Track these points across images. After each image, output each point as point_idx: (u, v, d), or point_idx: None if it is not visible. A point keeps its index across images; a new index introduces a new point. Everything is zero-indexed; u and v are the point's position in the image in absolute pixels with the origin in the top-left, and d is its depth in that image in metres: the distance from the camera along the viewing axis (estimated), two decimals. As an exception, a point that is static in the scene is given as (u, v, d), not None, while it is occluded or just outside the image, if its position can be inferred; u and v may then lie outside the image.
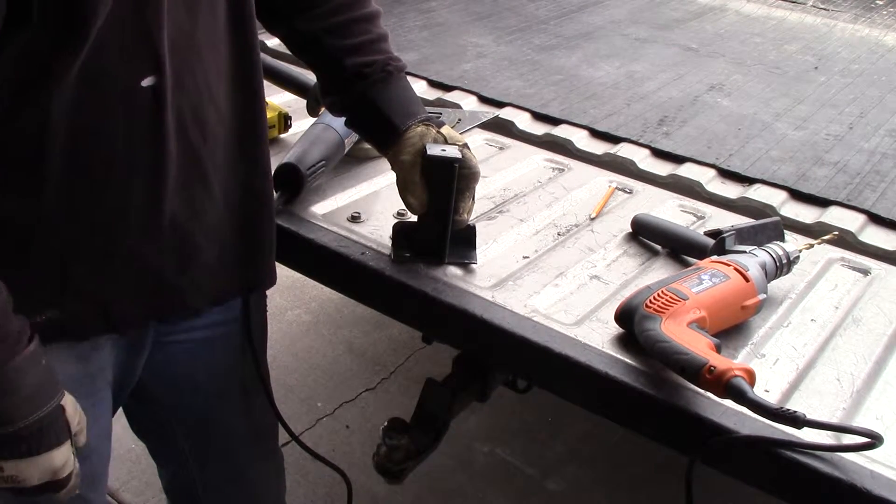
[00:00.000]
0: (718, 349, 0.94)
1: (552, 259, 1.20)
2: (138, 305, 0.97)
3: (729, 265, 1.05)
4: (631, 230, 1.27)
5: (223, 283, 1.04)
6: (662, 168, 1.51)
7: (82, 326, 0.94)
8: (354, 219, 1.26)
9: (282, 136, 1.50)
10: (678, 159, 1.53)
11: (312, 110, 1.47)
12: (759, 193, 1.41)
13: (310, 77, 1.40)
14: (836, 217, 1.35)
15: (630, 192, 1.41)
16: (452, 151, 1.09)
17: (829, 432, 0.87)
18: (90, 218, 0.88)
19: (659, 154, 1.55)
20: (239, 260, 1.05)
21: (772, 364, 1.01)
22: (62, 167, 0.84)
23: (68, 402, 0.88)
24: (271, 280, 1.13)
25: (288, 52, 1.21)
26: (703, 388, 0.90)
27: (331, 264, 1.19)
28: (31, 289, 0.88)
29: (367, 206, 1.30)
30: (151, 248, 0.93)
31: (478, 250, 1.17)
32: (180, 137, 0.90)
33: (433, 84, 1.83)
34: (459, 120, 1.57)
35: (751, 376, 0.88)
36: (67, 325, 0.92)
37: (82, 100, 0.81)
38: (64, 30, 0.77)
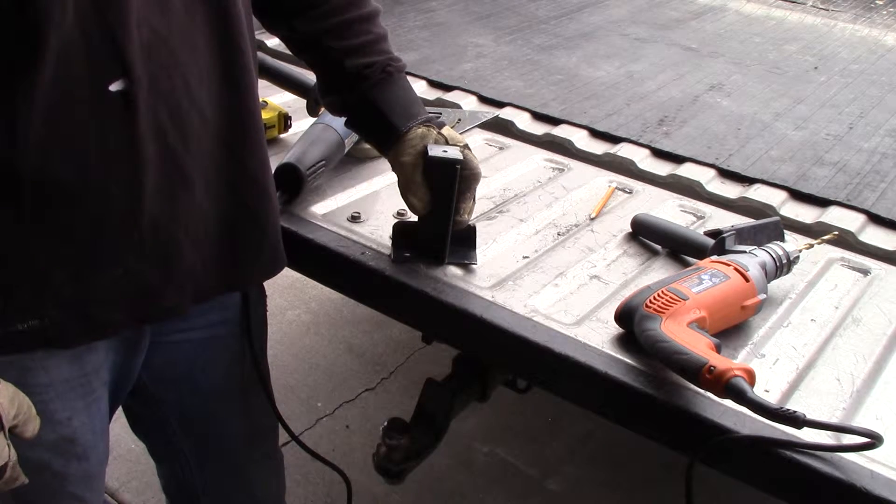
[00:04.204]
0: (718, 349, 0.94)
1: (552, 259, 1.20)
2: (120, 310, 0.95)
3: (729, 265, 1.05)
4: (631, 230, 1.27)
5: (207, 284, 1.03)
6: (662, 168, 1.51)
7: (64, 334, 0.92)
8: (354, 219, 1.26)
9: (282, 136, 1.50)
10: (678, 159, 1.53)
11: (312, 110, 1.47)
12: (759, 193, 1.41)
13: (310, 77, 1.40)
14: (836, 217, 1.35)
15: (630, 192, 1.41)
16: (454, 152, 1.09)
17: (829, 432, 0.87)
18: (67, 224, 0.87)
19: (659, 154, 1.55)
20: (225, 261, 1.03)
21: (772, 364, 1.01)
22: (36, 174, 0.83)
23: (5, 393, 0.85)
24: (261, 277, 1.13)
25: (288, 52, 1.21)
26: (702, 388, 0.90)
27: (331, 264, 1.19)
28: (10, 297, 0.88)
29: (367, 206, 1.30)
30: (132, 252, 0.92)
31: (478, 250, 1.17)
32: (158, 141, 0.89)
33: (433, 84, 1.83)
34: (459, 120, 1.57)
35: (751, 376, 0.88)
36: (49, 333, 0.91)
37: (52, 106, 0.80)
38: (22, 37, 0.76)
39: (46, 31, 0.77)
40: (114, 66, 0.83)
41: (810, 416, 0.84)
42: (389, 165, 1.15)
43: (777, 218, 1.25)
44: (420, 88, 1.80)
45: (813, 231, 1.32)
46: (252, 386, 1.22)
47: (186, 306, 1.01)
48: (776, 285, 1.14)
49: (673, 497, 1.00)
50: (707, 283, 1.02)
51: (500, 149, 1.54)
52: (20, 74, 0.78)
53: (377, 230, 1.23)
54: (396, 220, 1.22)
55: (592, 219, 1.31)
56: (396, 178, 1.14)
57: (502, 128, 1.64)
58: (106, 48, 0.82)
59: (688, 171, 1.48)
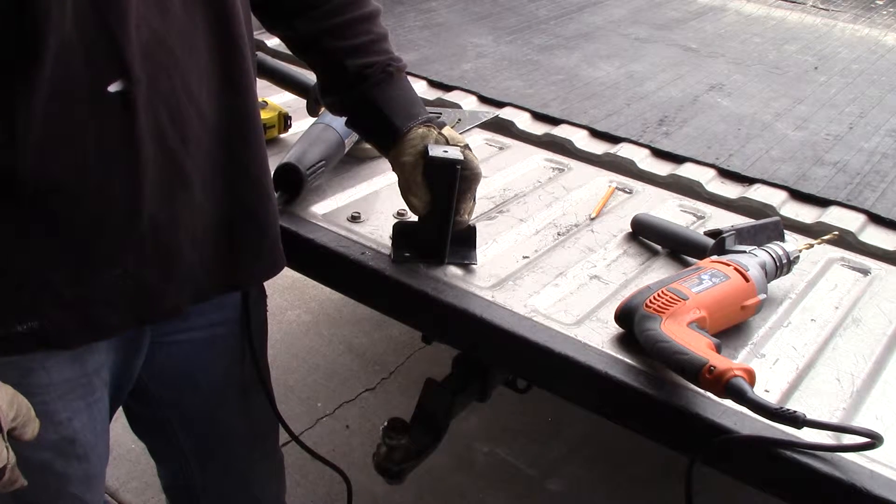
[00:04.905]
0: (718, 349, 0.94)
1: (552, 259, 1.20)
2: (119, 310, 0.94)
3: (729, 265, 1.05)
4: (631, 230, 1.27)
5: (206, 284, 1.03)
6: (662, 168, 1.51)
7: (63, 335, 0.92)
8: (354, 219, 1.26)
9: (282, 136, 1.50)
10: (678, 159, 1.53)
11: (312, 110, 1.47)
12: (759, 193, 1.41)
13: (310, 77, 1.40)
14: (836, 217, 1.35)
15: (630, 192, 1.41)
16: (454, 153, 1.09)
17: (829, 432, 0.87)
18: (67, 224, 0.87)
19: (659, 154, 1.55)
20: (224, 261, 1.03)
21: (772, 364, 1.01)
22: (35, 175, 0.82)
23: (3, 395, 0.84)
24: (260, 277, 1.13)
25: (288, 52, 1.21)
26: (702, 388, 0.90)
27: (331, 264, 1.19)
28: (10, 298, 0.87)
29: (367, 206, 1.30)
30: (131, 252, 0.92)
31: (478, 250, 1.17)
32: (157, 141, 0.88)
33: (433, 84, 1.83)
34: (459, 120, 1.57)
35: (751, 376, 0.88)
36: (49, 335, 0.90)
37: (51, 106, 0.80)
38: (22, 38, 0.76)
39: (45, 32, 0.77)
40: (112, 66, 0.83)
41: (810, 416, 0.84)
42: (389, 165, 1.15)
43: (777, 218, 1.25)
44: (420, 88, 1.80)
45: (813, 231, 1.32)
46: (252, 386, 1.22)
47: (186, 306, 1.01)
48: (776, 285, 1.14)
49: (673, 497, 1.00)
50: (707, 283, 1.02)
51: (500, 149, 1.54)
52: (19, 75, 0.78)
53: (377, 230, 1.23)
54: (396, 220, 1.22)
55: (592, 219, 1.31)
56: (396, 178, 1.14)
57: (502, 128, 1.64)
58: (105, 49, 0.82)
59: (688, 171, 1.48)
